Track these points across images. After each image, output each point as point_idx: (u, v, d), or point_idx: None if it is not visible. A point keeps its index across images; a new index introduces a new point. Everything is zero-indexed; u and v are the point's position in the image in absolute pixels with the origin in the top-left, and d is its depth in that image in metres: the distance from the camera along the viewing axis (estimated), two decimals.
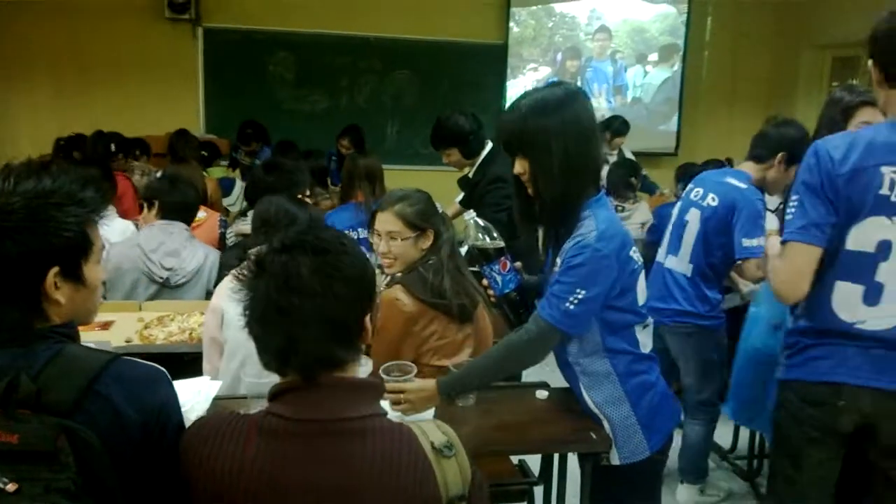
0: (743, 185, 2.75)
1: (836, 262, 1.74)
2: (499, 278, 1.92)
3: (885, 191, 1.68)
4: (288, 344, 1.11)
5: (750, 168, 2.81)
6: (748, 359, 2.27)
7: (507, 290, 1.92)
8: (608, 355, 1.82)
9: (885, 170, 1.68)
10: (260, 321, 1.13)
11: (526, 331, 1.78)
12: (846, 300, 1.76)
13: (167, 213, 2.94)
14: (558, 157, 1.71)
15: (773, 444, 2.03)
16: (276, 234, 1.95)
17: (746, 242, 2.66)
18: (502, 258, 1.91)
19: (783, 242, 1.80)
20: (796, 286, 1.77)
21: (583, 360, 1.84)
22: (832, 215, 1.72)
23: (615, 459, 1.85)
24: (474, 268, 2.10)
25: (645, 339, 1.87)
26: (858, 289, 1.74)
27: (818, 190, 1.72)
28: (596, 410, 1.86)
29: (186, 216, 3.02)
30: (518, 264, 1.99)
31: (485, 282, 1.97)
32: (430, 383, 1.81)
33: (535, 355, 1.82)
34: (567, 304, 1.71)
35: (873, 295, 1.73)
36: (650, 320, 1.89)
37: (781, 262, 1.80)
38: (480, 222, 1.92)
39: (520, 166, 1.78)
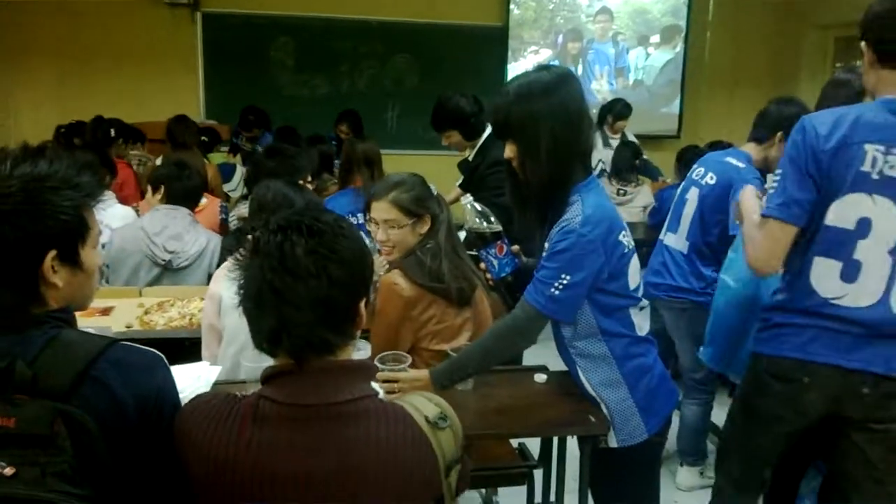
0: (741, 165, 2.77)
1: (816, 238, 1.76)
2: (495, 262, 1.93)
3: (866, 168, 1.68)
4: (280, 325, 1.11)
5: (751, 149, 2.82)
6: (734, 303, 2.28)
7: (503, 274, 1.93)
8: (604, 338, 1.82)
9: (868, 147, 1.68)
10: (254, 300, 1.13)
11: (512, 317, 1.79)
12: (824, 276, 1.76)
13: (173, 199, 2.96)
14: (545, 142, 1.72)
15: (737, 405, 2.05)
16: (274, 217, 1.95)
17: None
18: (499, 242, 1.92)
19: (763, 216, 1.81)
20: (768, 262, 1.80)
21: (578, 342, 1.85)
22: (813, 193, 1.72)
23: (613, 442, 1.85)
24: (472, 251, 2.10)
25: (641, 322, 1.87)
26: (836, 265, 1.74)
27: (802, 166, 1.73)
28: (593, 393, 1.86)
29: (192, 202, 3.05)
30: (515, 248, 2.00)
31: (482, 265, 1.97)
32: (423, 374, 1.83)
33: (522, 340, 1.82)
34: (552, 290, 1.72)
35: (851, 272, 1.73)
36: (646, 302, 1.90)
37: (758, 235, 1.82)
38: (477, 206, 1.93)
39: (510, 150, 1.79)
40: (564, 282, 1.71)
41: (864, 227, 1.71)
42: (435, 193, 2.19)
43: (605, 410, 1.85)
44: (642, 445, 1.85)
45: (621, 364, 1.83)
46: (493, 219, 1.92)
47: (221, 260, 2.87)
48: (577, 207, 1.73)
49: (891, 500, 1.80)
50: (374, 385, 1.23)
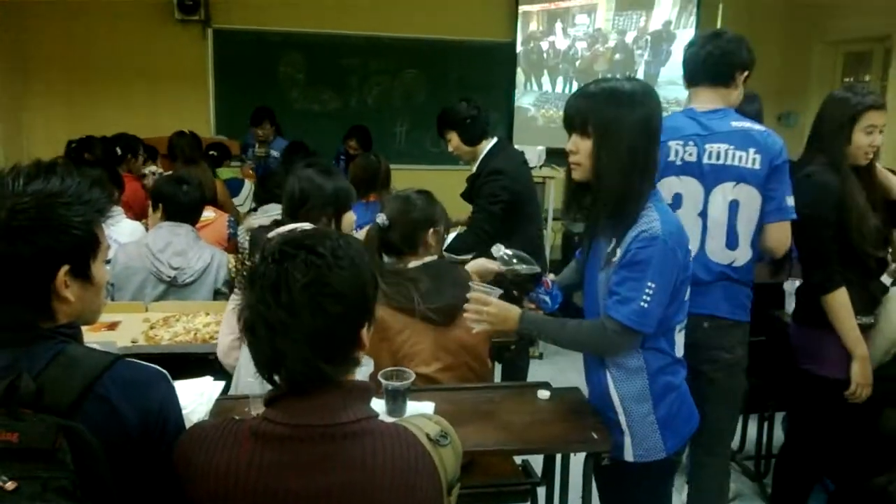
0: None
1: None
2: (547, 298, 1.95)
3: (672, 158, 2.26)
4: (274, 357, 1.11)
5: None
6: None
7: (556, 306, 1.95)
8: (643, 352, 1.81)
9: (671, 143, 2.25)
10: (250, 331, 1.13)
11: (602, 329, 1.76)
12: None
13: (171, 215, 2.96)
14: (625, 150, 1.71)
15: None
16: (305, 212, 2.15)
17: None
18: (543, 279, 1.93)
19: None
20: None
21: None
22: None
23: (629, 456, 1.84)
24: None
25: (680, 342, 1.87)
26: None
27: None
28: (616, 403, 1.84)
29: (191, 217, 3.04)
30: (552, 277, 2.03)
31: (529, 304, 1.98)
32: (514, 311, 1.83)
33: (611, 353, 1.82)
34: (641, 303, 1.70)
35: None
36: (685, 321, 1.89)
37: None
38: (509, 252, 1.93)
39: (574, 145, 1.78)
40: (651, 292, 1.70)
41: (677, 200, 2.27)
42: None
43: (623, 422, 1.83)
44: (659, 463, 1.85)
45: (653, 380, 1.82)
46: (528, 258, 1.93)
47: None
48: (652, 213, 1.73)
49: (730, 401, 2.41)
50: (377, 406, 1.23)
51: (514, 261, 1.92)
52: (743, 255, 2.28)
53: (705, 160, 2.24)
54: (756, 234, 2.29)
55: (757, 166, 2.24)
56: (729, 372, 2.35)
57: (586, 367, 1.98)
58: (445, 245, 3.12)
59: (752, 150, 2.24)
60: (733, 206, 2.25)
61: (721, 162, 2.24)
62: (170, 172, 4.44)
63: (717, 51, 2.33)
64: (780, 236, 2.30)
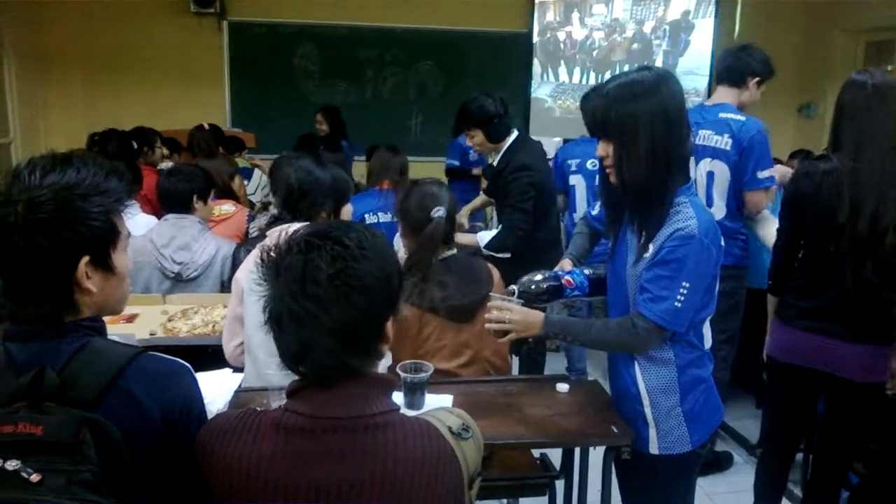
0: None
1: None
2: (577, 291, 1.95)
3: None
4: (301, 349, 1.11)
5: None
6: None
7: (587, 291, 1.96)
8: (672, 345, 1.79)
9: None
10: (276, 323, 1.13)
11: (633, 327, 1.74)
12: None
13: (162, 206, 2.95)
14: (645, 144, 1.67)
15: None
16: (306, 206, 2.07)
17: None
18: (564, 279, 1.94)
19: None
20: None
21: None
22: None
23: (654, 448, 1.83)
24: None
25: (707, 334, 1.85)
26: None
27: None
28: (644, 395, 1.82)
29: (180, 207, 2.95)
30: (565, 264, 2.04)
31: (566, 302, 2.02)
32: (537, 315, 1.82)
33: (640, 350, 1.80)
34: (675, 303, 1.68)
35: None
36: (714, 313, 1.86)
37: None
38: (516, 288, 1.91)
39: (602, 150, 1.76)
40: (685, 291, 1.68)
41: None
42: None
43: (649, 415, 1.82)
44: (685, 455, 1.83)
45: (681, 372, 1.80)
46: (539, 274, 1.92)
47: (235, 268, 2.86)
48: (688, 211, 1.70)
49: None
50: (398, 399, 1.23)
51: (533, 287, 1.91)
52: (718, 211, 2.99)
53: (696, 141, 2.87)
54: (729, 198, 3.00)
55: (728, 148, 2.96)
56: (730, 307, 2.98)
57: (612, 358, 1.96)
58: (485, 244, 3.15)
59: (726, 136, 2.96)
60: (710, 176, 3.00)
61: (703, 143, 2.97)
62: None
63: (736, 60, 3.09)
64: (753, 201, 2.98)
